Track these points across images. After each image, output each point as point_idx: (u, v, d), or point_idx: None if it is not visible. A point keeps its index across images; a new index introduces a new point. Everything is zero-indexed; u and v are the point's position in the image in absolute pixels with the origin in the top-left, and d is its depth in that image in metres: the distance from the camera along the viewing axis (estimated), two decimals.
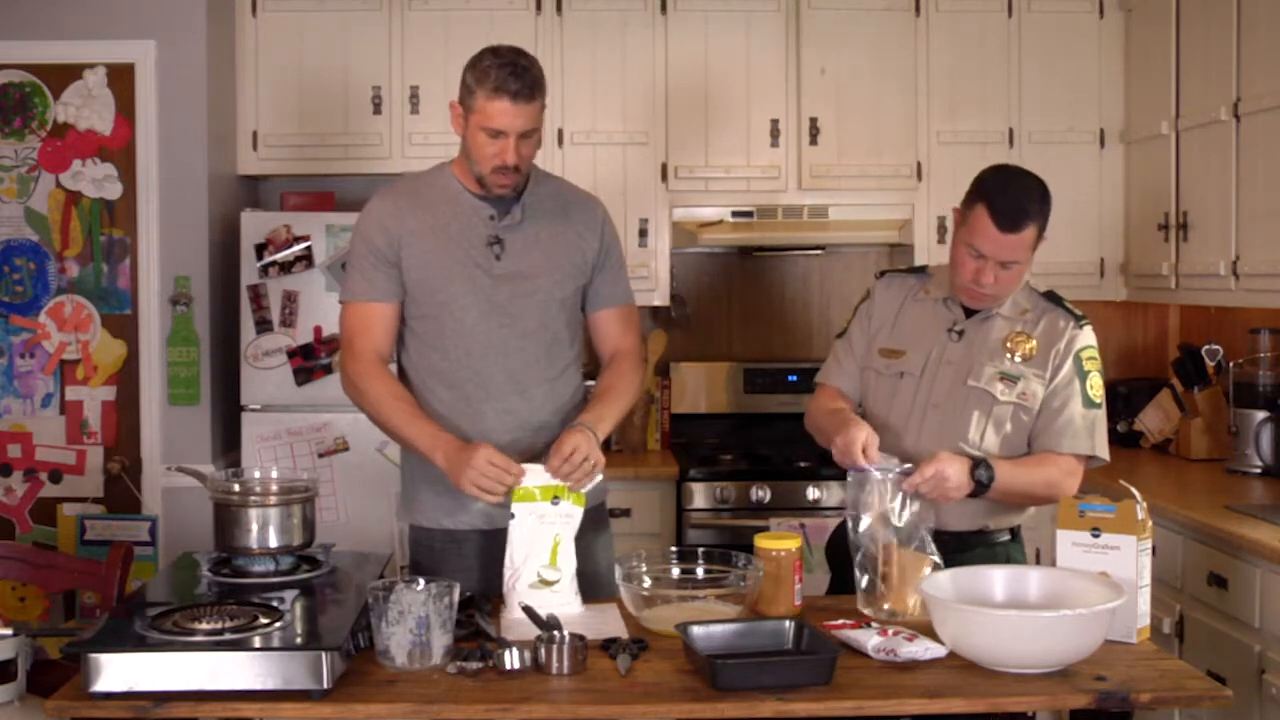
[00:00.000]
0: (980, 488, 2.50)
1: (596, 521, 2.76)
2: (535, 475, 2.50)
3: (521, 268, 2.67)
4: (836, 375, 2.81)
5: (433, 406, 2.68)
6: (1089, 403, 2.62)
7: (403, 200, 2.70)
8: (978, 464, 2.51)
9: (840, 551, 2.81)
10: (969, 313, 2.70)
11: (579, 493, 2.52)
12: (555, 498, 2.50)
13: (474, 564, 2.67)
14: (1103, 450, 2.63)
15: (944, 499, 2.49)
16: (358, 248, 2.70)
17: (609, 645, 2.23)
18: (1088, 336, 2.67)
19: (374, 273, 2.67)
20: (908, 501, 2.46)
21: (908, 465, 2.49)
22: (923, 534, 2.46)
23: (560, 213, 2.74)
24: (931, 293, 2.74)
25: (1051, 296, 2.73)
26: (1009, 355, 2.64)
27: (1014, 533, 2.73)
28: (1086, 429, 2.62)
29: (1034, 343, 2.65)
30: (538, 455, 2.58)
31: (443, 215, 2.68)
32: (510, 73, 2.53)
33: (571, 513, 2.51)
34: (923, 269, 2.83)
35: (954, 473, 2.47)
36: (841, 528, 2.84)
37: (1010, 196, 2.57)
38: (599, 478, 2.57)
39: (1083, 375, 2.63)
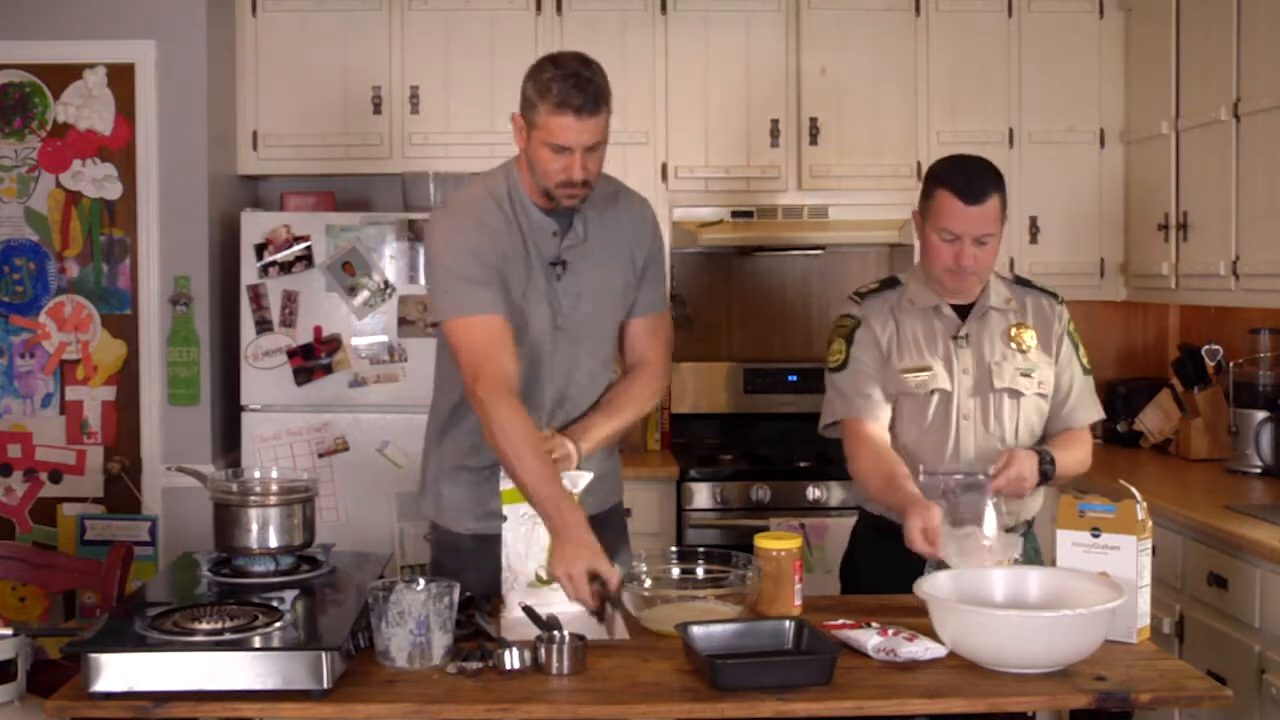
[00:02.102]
0: (1045, 479, 2.59)
1: (615, 532, 2.73)
2: None
3: (581, 289, 2.58)
4: (869, 410, 2.67)
5: (475, 428, 2.56)
6: (1085, 370, 2.79)
7: (489, 210, 2.53)
8: (1042, 457, 2.59)
9: (854, 569, 2.82)
10: (962, 315, 2.71)
11: (573, 493, 2.50)
12: None
13: (499, 567, 2.61)
14: (1100, 410, 2.82)
15: (1019, 496, 2.58)
16: (460, 259, 2.48)
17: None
18: (1066, 310, 2.80)
19: (489, 285, 2.46)
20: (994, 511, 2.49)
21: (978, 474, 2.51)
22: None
23: (616, 229, 2.63)
24: (916, 302, 2.72)
25: (1022, 281, 2.83)
26: (1016, 348, 2.68)
27: (1029, 525, 2.77)
28: (1091, 398, 2.78)
29: (1032, 330, 2.72)
30: None
31: (518, 230, 2.54)
32: (574, 85, 2.40)
33: None
34: (893, 280, 2.79)
35: (1029, 471, 2.55)
36: (854, 548, 2.84)
37: (965, 172, 2.64)
38: (589, 475, 2.54)
39: (1075, 347, 2.77)
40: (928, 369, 2.67)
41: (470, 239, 2.50)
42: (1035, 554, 2.76)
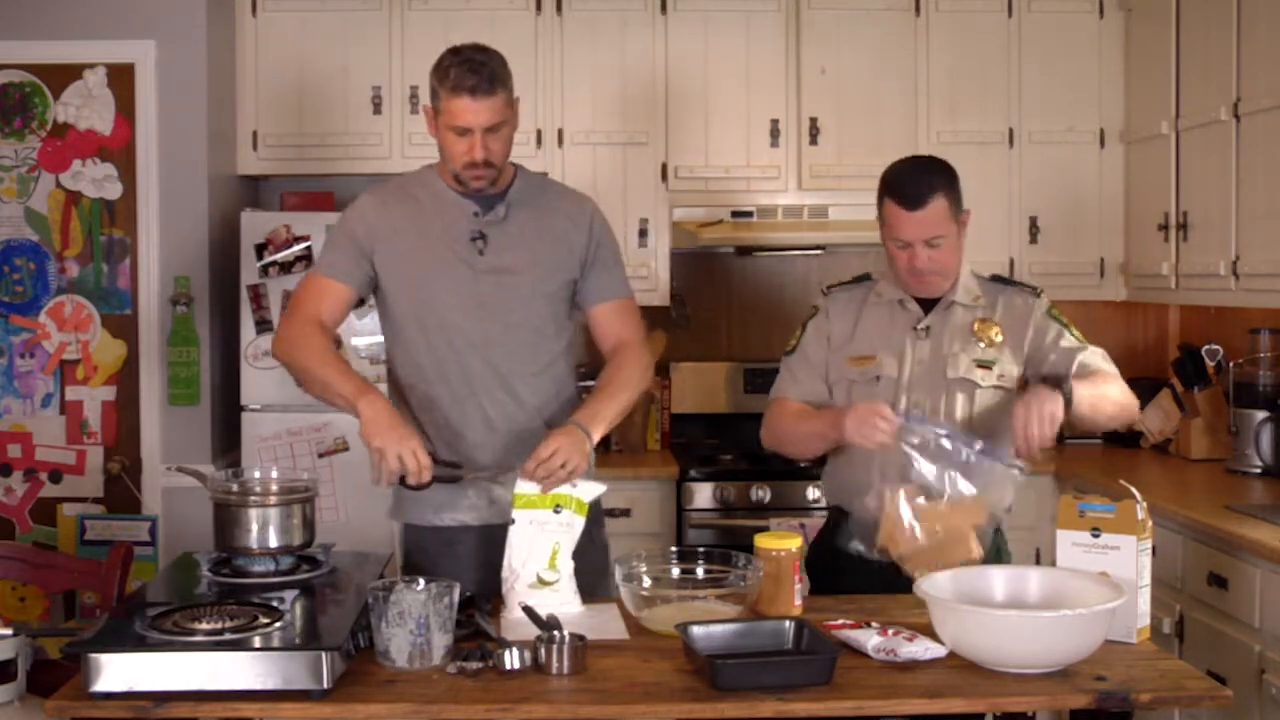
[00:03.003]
0: (1067, 403, 2.50)
1: (591, 524, 2.75)
2: (531, 484, 2.49)
3: (505, 262, 2.68)
4: (794, 389, 2.80)
5: (420, 402, 2.69)
6: (1083, 344, 2.74)
7: (389, 197, 2.74)
8: (1057, 384, 2.52)
9: (820, 560, 2.81)
10: (927, 309, 2.73)
11: (582, 502, 2.51)
12: (557, 506, 2.49)
13: (468, 563, 2.67)
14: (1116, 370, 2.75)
15: (1050, 428, 2.46)
16: (336, 231, 2.75)
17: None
18: (1046, 299, 2.77)
19: (344, 254, 2.70)
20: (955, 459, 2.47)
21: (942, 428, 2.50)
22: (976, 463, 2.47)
23: (546, 208, 2.75)
24: (884, 295, 2.77)
25: (999, 278, 2.81)
26: (979, 342, 2.68)
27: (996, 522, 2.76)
28: (1104, 358, 2.72)
29: (998, 327, 2.70)
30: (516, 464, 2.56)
31: (427, 212, 2.71)
32: (468, 69, 2.56)
33: (573, 522, 2.50)
34: (866, 276, 2.86)
35: (1049, 399, 2.46)
36: (824, 545, 2.83)
37: (907, 178, 2.66)
38: (602, 488, 2.56)
39: (1064, 325, 2.74)
40: (872, 358, 2.70)
41: (348, 218, 2.74)
42: (1000, 554, 2.74)
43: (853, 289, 2.83)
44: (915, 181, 2.63)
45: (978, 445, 2.48)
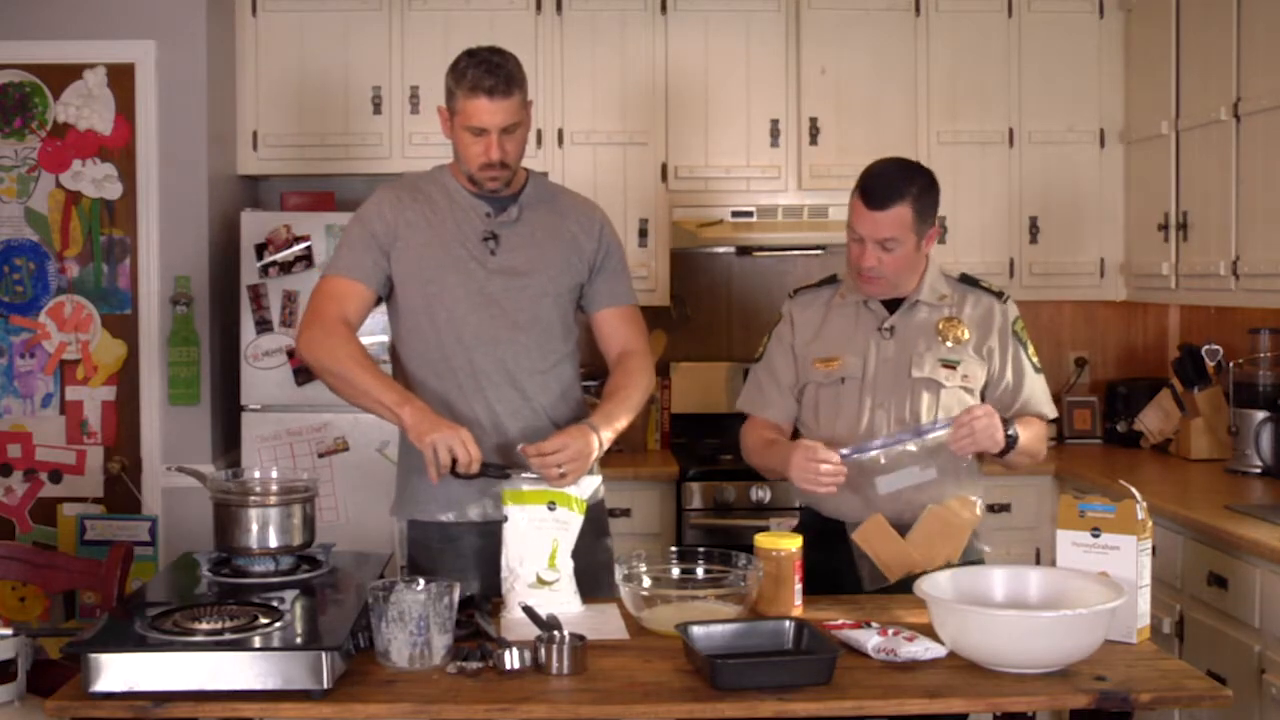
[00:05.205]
0: (1011, 441, 2.55)
1: (595, 525, 2.76)
2: (530, 480, 2.50)
3: (516, 263, 2.71)
4: (762, 405, 2.84)
5: (428, 397, 2.69)
6: (1036, 369, 2.77)
7: (404, 194, 2.76)
8: (1006, 422, 2.56)
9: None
10: (891, 309, 2.73)
11: (580, 499, 2.51)
12: (551, 503, 2.49)
13: (472, 559, 2.68)
14: (1054, 409, 2.81)
15: (982, 443, 2.52)
16: (354, 229, 2.74)
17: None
18: (1014, 309, 2.78)
19: (363, 254, 2.70)
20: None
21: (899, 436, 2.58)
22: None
23: (557, 212, 2.79)
24: (848, 297, 2.78)
25: (966, 279, 2.81)
26: (944, 341, 2.69)
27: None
28: (1045, 394, 2.78)
29: (965, 326, 2.71)
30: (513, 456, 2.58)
31: (440, 210, 2.73)
32: (485, 70, 2.60)
33: (569, 519, 2.50)
34: (833, 278, 2.86)
35: (987, 414, 2.51)
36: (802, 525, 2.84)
37: (878, 177, 2.69)
38: (598, 479, 2.57)
39: (1023, 345, 2.75)
40: (836, 359, 2.72)
41: (364, 214, 2.75)
42: (969, 552, 2.73)
43: (819, 290, 2.85)
44: (886, 182, 2.66)
45: (924, 432, 2.56)
